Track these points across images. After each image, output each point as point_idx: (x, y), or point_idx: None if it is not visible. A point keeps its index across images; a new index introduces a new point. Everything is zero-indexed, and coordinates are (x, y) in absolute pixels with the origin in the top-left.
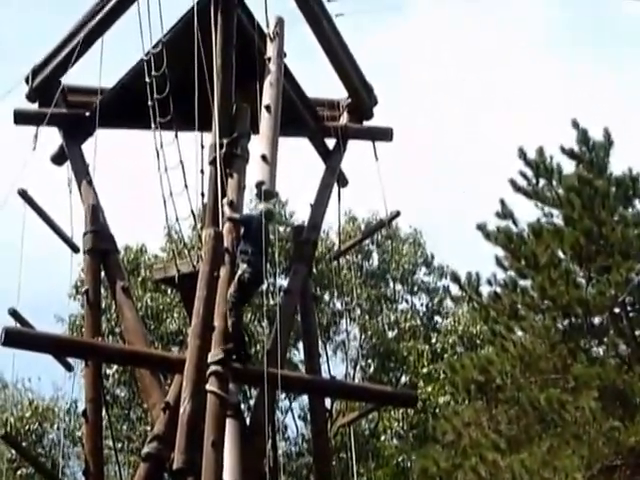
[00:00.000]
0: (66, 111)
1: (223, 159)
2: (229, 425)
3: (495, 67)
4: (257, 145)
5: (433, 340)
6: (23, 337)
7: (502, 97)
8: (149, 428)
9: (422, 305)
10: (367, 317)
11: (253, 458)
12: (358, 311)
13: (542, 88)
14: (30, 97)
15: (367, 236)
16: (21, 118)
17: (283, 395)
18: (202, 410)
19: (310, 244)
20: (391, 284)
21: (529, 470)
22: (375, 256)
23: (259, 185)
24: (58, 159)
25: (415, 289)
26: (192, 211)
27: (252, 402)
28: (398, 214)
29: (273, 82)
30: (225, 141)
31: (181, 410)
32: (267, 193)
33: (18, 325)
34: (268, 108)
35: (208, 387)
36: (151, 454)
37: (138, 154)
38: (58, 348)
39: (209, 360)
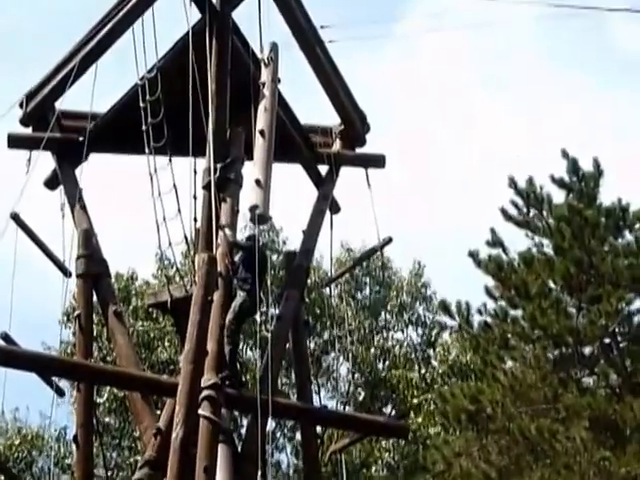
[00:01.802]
0: (59, 136)
1: (217, 184)
2: (221, 451)
3: (484, 95)
4: (251, 169)
5: (423, 370)
6: (14, 356)
7: (492, 125)
8: (139, 457)
9: (417, 335)
10: (359, 346)
11: None
12: (349, 340)
13: (533, 117)
14: (24, 121)
15: (358, 263)
16: (15, 142)
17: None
18: (194, 435)
19: (303, 270)
20: (383, 314)
21: None
22: (367, 286)
23: (253, 209)
24: (51, 183)
25: (410, 320)
26: (185, 236)
27: (243, 430)
28: (390, 241)
29: (267, 107)
30: (219, 165)
31: (173, 435)
32: (261, 217)
33: None
34: (262, 133)
35: (201, 412)
36: None
37: (131, 179)
38: (50, 368)
39: (202, 385)
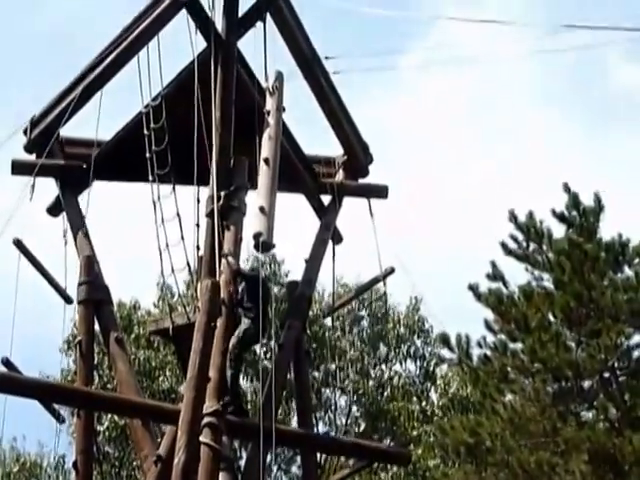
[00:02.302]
0: (63, 162)
1: (220, 211)
2: (222, 478)
3: (486, 126)
4: (255, 197)
5: (424, 403)
6: (15, 382)
7: (494, 159)
8: None
9: (415, 367)
10: (359, 378)
11: None
12: (351, 370)
13: (532, 151)
14: (28, 148)
15: (361, 292)
16: (19, 168)
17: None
18: (196, 462)
19: (305, 299)
20: (381, 347)
21: None
22: (365, 319)
23: (257, 236)
24: (54, 210)
25: (409, 353)
26: (188, 263)
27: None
28: (392, 271)
29: (272, 135)
30: (223, 193)
31: (175, 461)
32: (265, 244)
33: None
34: (267, 161)
35: (202, 439)
36: None
37: (133, 206)
38: (51, 395)
39: (204, 412)
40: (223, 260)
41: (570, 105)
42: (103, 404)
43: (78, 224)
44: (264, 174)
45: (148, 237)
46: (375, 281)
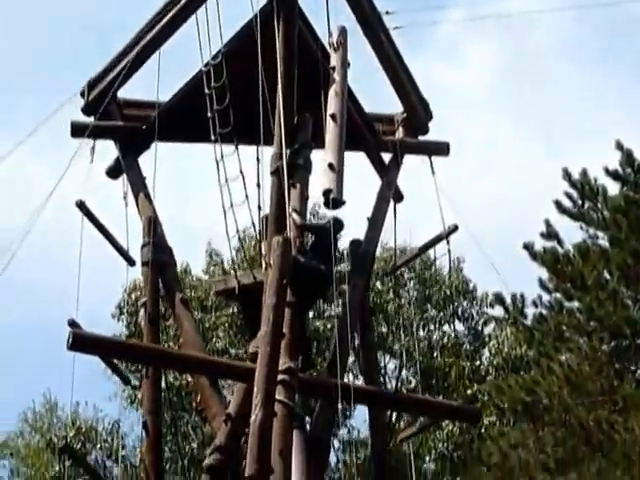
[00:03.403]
0: (123, 124)
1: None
2: (294, 436)
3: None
4: (322, 154)
5: (477, 362)
6: (90, 341)
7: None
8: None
9: (464, 328)
10: (408, 339)
11: (315, 470)
12: (414, 325)
13: (582, 108)
14: (86, 110)
15: (424, 251)
16: (78, 131)
17: None
18: (272, 419)
19: (368, 257)
20: (429, 308)
21: None
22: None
23: (327, 193)
24: (113, 172)
25: (456, 313)
26: (253, 222)
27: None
28: (456, 228)
29: (338, 91)
30: (288, 151)
31: (252, 418)
32: (335, 201)
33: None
34: (334, 117)
35: (276, 396)
36: (213, 466)
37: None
38: (125, 353)
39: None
40: (290, 218)
41: (618, 59)
42: (176, 362)
43: (139, 186)
44: (331, 130)
45: (197, 204)
46: (438, 239)
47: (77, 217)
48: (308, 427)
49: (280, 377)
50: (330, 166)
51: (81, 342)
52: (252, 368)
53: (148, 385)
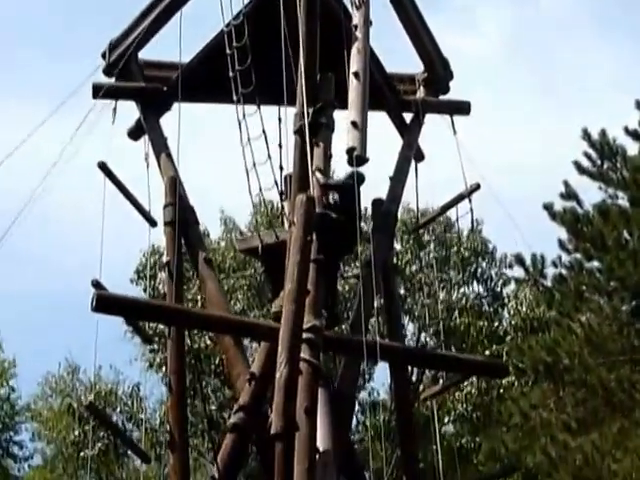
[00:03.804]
0: (144, 85)
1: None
2: (319, 394)
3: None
4: (345, 113)
5: (495, 323)
6: (114, 302)
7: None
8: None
9: (483, 290)
10: (427, 301)
11: (340, 428)
12: (435, 285)
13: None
14: (107, 72)
15: (446, 210)
16: (99, 91)
17: None
18: (298, 376)
19: (391, 216)
20: (451, 272)
21: (600, 451)
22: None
23: (350, 151)
24: (135, 134)
25: (475, 275)
26: (276, 182)
27: None
28: (478, 187)
29: (360, 49)
30: (311, 110)
31: (277, 374)
32: (359, 159)
33: None
34: (357, 75)
35: (301, 354)
36: (237, 425)
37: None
38: (150, 313)
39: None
40: (313, 177)
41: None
42: (201, 322)
43: (160, 146)
44: (354, 88)
45: (212, 164)
46: (460, 198)
47: (98, 179)
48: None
49: (305, 335)
50: (353, 124)
51: (105, 303)
52: (277, 327)
53: (172, 345)
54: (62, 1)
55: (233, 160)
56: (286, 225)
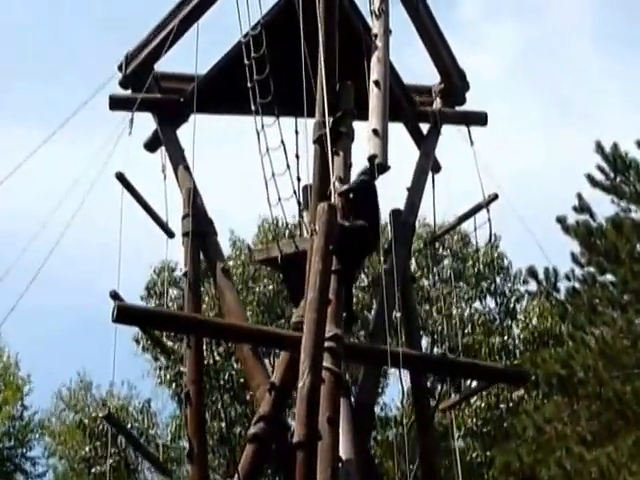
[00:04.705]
0: (160, 96)
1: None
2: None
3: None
4: (365, 123)
5: (505, 337)
6: (135, 313)
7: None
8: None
9: (496, 305)
10: (439, 317)
11: (360, 437)
12: (454, 296)
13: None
14: (124, 84)
15: (463, 220)
16: (116, 103)
17: None
18: (320, 385)
19: (409, 227)
20: (461, 284)
21: (616, 463)
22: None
23: (372, 159)
24: (151, 145)
25: (489, 289)
26: (295, 191)
27: None
28: (496, 197)
29: (380, 58)
30: (330, 119)
31: (300, 384)
32: (380, 167)
33: None
34: (377, 83)
35: (323, 363)
36: (257, 435)
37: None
38: (170, 324)
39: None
40: (337, 184)
41: None
42: (223, 332)
43: (177, 158)
44: (375, 97)
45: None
46: (478, 208)
47: (116, 191)
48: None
49: (326, 344)
50: (374, 132)
51: (126, 314)
52: (299, 336)
53: (190, 355)
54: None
55: (241, 175)
56: (305, 234)
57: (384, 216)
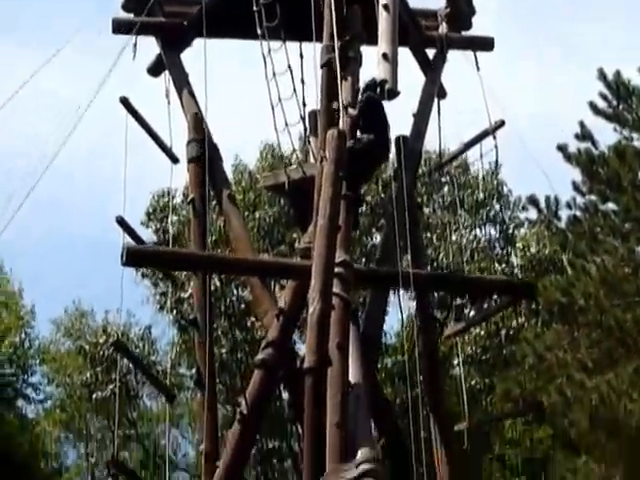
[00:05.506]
0: (164, 20)
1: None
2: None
3: None
4: (372, 48)
5: (504, 265)
6: (144, 254)
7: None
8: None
9: (496, 232)
10: (439, 243)
11: (367, 363)
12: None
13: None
14: (126, 6)
15: (470, 146)
16: (119, 27)
17: None
18: (331, 310)
19: (415, 153)
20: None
21: (616, 390)
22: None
23: (382, 83)
24: (155, 70)
25: (488, 217)
26: (302, 117)
27: None
28: (503, 124)
29: None
30: (339, 43)
31: (310, 309)
32: (390, 92)
33: (126, 235)
34: (386, 7)
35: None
36: (265, 360)
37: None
38: (179, 263)
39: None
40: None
41: None
42: (233, 267)
43: (182, 82)
44: (384, 21)
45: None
46: (484, 134)
47: (119, 116)
48: None
49: (336, 270)
50: (384, 56)
51: (135, 256)
52: (306, 265)
53: (197, 282)
54: None
55: (244, 101)
56: (311, 160)
57: None
